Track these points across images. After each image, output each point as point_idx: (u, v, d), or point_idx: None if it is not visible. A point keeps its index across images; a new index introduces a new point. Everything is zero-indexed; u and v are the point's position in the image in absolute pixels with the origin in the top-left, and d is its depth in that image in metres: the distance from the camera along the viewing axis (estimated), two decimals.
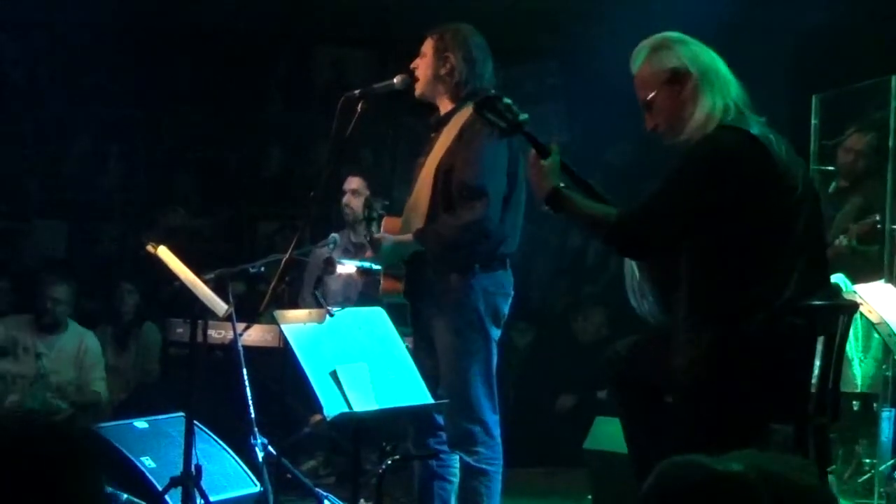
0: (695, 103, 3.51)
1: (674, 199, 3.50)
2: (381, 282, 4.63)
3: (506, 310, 4.52)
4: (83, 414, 6.85)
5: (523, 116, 3.78)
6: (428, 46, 4.56)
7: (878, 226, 6.16)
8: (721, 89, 3.52)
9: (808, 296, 3.49)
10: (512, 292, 4.54)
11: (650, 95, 3.58)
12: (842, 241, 6.32)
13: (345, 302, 6.24)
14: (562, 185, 3.66)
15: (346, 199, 6.82)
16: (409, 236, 4.47)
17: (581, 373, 7.28)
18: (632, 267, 3.81)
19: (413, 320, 4.58)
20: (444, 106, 4.56)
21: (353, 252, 6.52)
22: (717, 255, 3.48)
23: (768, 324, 3.41)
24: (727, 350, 3.43)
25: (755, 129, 3.48)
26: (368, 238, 4.61)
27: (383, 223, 4.63)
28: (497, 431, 4.48)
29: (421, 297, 4.51)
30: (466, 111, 4.45)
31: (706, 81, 3.52)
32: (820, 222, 3.72)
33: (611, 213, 3.60)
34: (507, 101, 3.78)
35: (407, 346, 4.39)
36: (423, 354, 4.50)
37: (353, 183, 6.83)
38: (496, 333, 4.50)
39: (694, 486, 2.00)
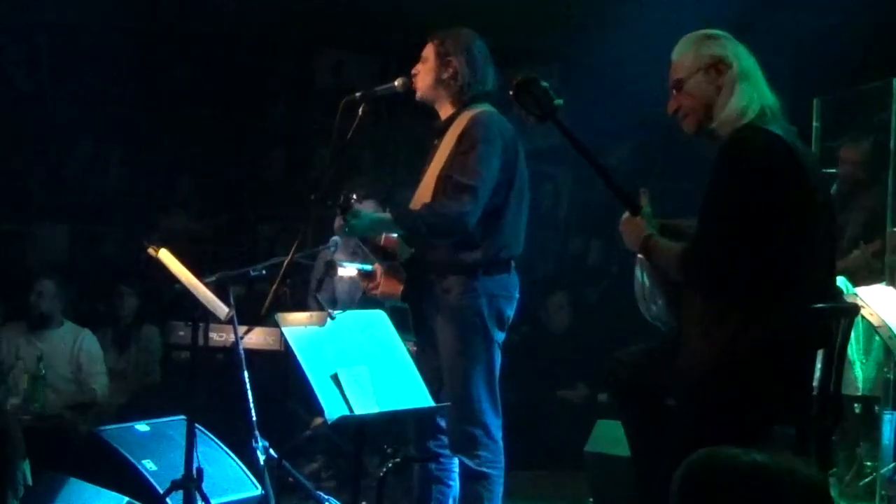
0: (731, 93, 3.49)
1: (728, 216, 3.39)
2: (381, 284, 4.58)
3: (510, 313, 4.52)
4: (83, 415, 6.85)
5: (558, 101, 3.74)
6: (430, 51, 4.55)
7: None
8: (759, 90, 3.51)
9: (817, 302, 3.47)
10: (517, 295, 4.53)
11: (684, 76, 3.56)
12: (857, 255, 6.31)
13: (349, 304, 6.23)
14: (652, 232, 3.62)
15: None
16: (387, 215, 4.46)
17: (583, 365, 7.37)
18: (640, 272, 3.79)
19: (415, 324, 4.56)
20: (445, 111, 4.56)
21: (361, 255, 6.49)
22: (739, 255, 3.41)
23: (779, 327, 3.40)
24: (738, 350, 3.40)
25: (782, 133, 3.45)
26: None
27: None
28: (499, 434, 4.48)
29: (424, 300, 4.50)
30: (465, 116, 4.45)
31: (747, 76, 3.51)
32: (835, 232, 3.71)
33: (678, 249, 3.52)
34: (545, 84, 3.73)
35: (409, 350, 4.38)
36: (427, 357, 4.50)
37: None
38: (500, 336, 4.50)
39: (724, 476, 2.05)
